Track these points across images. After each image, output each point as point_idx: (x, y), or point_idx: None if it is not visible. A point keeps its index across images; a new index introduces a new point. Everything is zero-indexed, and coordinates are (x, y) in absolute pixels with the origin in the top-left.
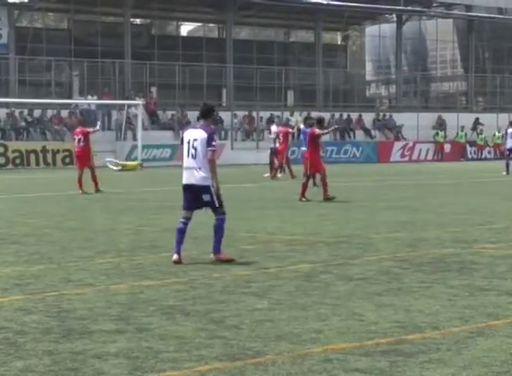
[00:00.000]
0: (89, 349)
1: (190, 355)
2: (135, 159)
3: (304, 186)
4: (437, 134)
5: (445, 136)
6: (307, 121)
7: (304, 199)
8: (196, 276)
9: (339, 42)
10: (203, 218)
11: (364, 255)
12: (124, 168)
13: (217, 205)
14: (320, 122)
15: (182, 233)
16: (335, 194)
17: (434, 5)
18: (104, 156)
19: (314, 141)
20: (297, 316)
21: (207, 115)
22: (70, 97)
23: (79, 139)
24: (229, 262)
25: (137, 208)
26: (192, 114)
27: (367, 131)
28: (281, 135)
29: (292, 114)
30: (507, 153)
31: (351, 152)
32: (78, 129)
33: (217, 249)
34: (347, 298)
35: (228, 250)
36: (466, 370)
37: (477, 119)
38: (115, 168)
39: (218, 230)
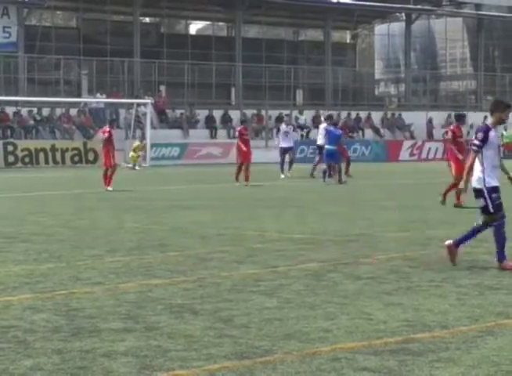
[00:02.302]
0: (98, 348)
1: (199, 353)
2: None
3: None
4: (446, 133)
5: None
6: (330, 119)
7: None
8: (204, 274)
9: (348, 41)
10: (206, 217)
11: (373, 254)
12: (135, 160)
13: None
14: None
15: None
16: (342, 193)
17: (444, 3)
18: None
19: None
20: (305, 314)
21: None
22: (78, 96)
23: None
24: None
25: (146, 207)
26: (201, 113)
27: (376, 130)
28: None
29: (301, 113)
30: None
31: (360, 151)
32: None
33: (500, 257)
34: (355, 296)
35: (236, 249)
36: (475, 369)
37: (485, 118)
38: (130, 166)
39: (496, 236)
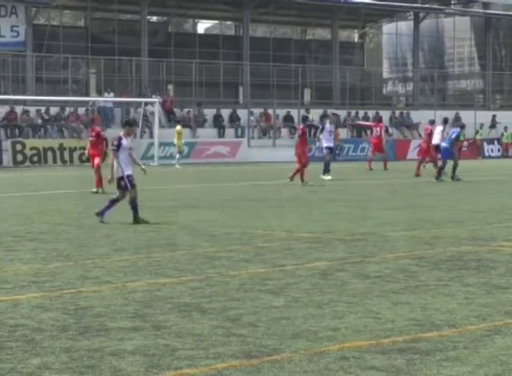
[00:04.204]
0: (106, 347)
1: (207, 352)
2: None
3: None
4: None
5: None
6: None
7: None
8: (212, 273)
9: (356, 40)
10: (214, 216)
11: (381, 253)
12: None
13: None
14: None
15: None
16: (350, 192)
17: (452, 2)
18: None
19: None
20: (313, 313)
21: None
22: (86, 95)
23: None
24: None
25: (154, 206)
26: (209, 112)
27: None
28: (379, 129)
29: (308, 112)
30: None
31: (368, 149)
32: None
33: None
34: (363, 295)
35: (245, 248)
36: (483, 368)
37: (494, 117)
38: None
39: None
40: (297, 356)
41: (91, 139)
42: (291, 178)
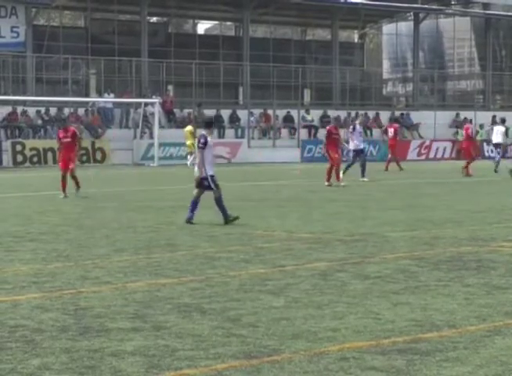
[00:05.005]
0: (106, 347)
1: (207, 353)
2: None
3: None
4: (457, 132)
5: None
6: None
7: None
8: (212, 274)
9: (356, 40)
10: (214, 216)
11: (381, 253)
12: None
13: None
14: None
15: None
16: (350, 192)
17: (452, 3)
18: (121, 154)
19: None
20: (313, 314)
21: None
22: (86, 95)
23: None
24: None
25: (154, 206)
26: (209, 112)
27: (384, 130)
28: (393, 129)
29: (308, 112)
30: None
31: (368, 150)
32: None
33: None
34: (363, 296)
35: (245, 248)
36: (483, 368)
37: (493, 117)
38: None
39: None
40: (297, 357)
41: (65, 140)
42: (328, 179)
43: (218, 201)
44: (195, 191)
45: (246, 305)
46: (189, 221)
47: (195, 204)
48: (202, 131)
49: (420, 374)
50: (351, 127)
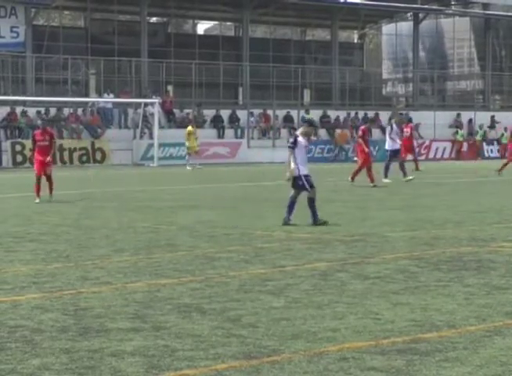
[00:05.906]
0: (106, 347)
1: (206, 353)
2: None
3: None
4: (456, 133)
5: (463, 135)
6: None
7: None
8: (212, 274)
9: (355, 41)
10: (214, 217)
11: (380, 254)
12: (192, 151)
13: None
14: None
15: None
16: (348, 192)
17: (452, 3)
18: (121, 154)
19: None
20: (313, 314)
21: None
22: (86, 95)
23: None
24: None
25: (153, 206)
26: (208, 113)
27: (384, 130)
28: (409, 129)
29: (308, 112)
30: None
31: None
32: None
33: None
34: (363, 296)
35: (245, 248)
36: (483, 368)
37: (492, 117)
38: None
39: None
40: (297, 357)
41: (42, 143)
42: (371, 180)
43: (311, 202)
44: (291, 192)
45: (246, 306)
46: (287, 222)
47: (292, 205)
48: (297, 131)
49: (420, 374)
50: (389, 127)
